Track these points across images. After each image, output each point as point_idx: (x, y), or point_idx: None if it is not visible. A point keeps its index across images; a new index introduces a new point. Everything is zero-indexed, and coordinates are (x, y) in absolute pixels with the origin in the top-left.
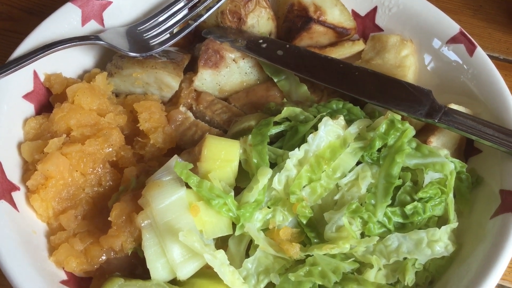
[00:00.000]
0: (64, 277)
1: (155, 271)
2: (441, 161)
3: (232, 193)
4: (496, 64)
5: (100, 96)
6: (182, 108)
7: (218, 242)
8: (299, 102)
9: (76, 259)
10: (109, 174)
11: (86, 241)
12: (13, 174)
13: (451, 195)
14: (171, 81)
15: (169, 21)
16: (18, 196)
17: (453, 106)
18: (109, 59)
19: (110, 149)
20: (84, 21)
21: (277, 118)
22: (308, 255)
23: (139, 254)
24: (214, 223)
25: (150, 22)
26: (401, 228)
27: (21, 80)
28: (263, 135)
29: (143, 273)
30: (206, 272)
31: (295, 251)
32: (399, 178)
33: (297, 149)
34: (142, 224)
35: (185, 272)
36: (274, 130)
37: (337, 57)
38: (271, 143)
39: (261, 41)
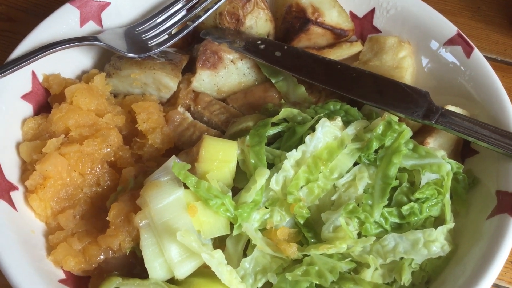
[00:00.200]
0: (62, 276)
1: (153, 270)
2: (438, 162)
3: (230, 194)
4: (493, 66)
5: (98, 97)
6: (180, 109)
7: (216, 242)
8: (296, 103)
9: (74, 258)
10: (107, 174)
11: (84, 241)
12: (12, 174)
13: (447, 195)
14: (169, 82)
15: (167, 22)
16: (17, 195)
17: (450, 107)
18: (107, 59)
19: (108, 150)
20: (83, 22)
21: (275, 119)
22: (305, 255)
23: (137, 254)
24: (211, 223)
25: (149, 23)
26: (398, 228)
27: (20, 80)
28: (261, 136)
29: (141, 273)
30: (204, 271)
31: (292, 251)
32: (396, 179)
33: (294, 150)
34: (140, 224)
35: (183, 271)
36: (272, 131)
37: (335, 58)
38: (268, 144)
39: (259, 42)
